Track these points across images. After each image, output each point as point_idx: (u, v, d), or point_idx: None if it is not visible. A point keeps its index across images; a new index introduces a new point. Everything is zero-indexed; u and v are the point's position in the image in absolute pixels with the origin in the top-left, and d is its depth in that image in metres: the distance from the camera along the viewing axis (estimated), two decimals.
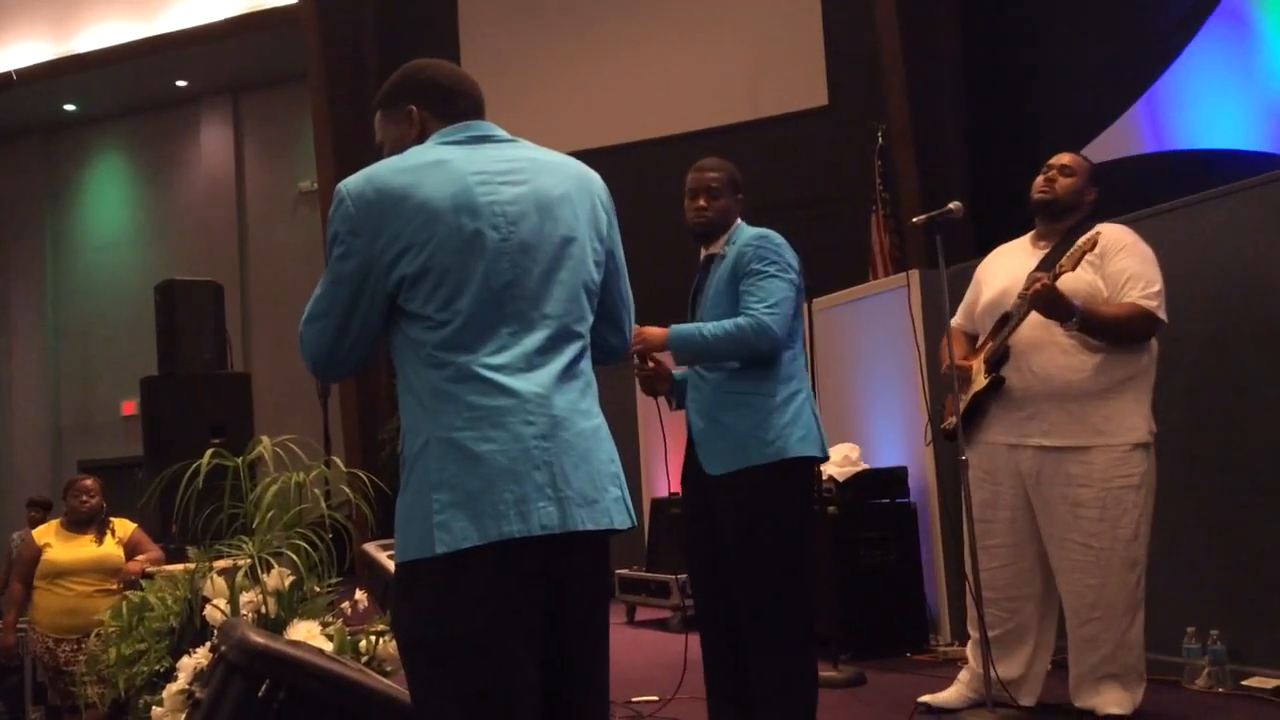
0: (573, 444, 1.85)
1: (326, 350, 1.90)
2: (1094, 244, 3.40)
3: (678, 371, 3.39)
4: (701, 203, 3.34)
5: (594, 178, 2.05)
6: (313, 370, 1.94)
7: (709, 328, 3.18)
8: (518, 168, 1.93)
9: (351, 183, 1.87)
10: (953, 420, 3.68)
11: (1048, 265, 3.60)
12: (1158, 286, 3.52)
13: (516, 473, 1.77)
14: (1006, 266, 3.78)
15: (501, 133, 2.00)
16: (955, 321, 3.96)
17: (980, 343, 3.77)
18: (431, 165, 1.88)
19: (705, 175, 3.35)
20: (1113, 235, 3.62)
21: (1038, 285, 3.40)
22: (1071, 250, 3.42)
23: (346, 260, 1.85)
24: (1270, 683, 3.87)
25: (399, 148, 1.98)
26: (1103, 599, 3.47)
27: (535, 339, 1.86)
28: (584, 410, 1.90)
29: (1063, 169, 3.72)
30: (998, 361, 3.61)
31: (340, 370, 1.93)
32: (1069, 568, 3.53)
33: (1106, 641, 3.48)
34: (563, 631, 1.87)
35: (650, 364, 3.33)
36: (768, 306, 3.15)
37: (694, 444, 3.30)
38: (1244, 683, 3.94)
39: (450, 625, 1.76)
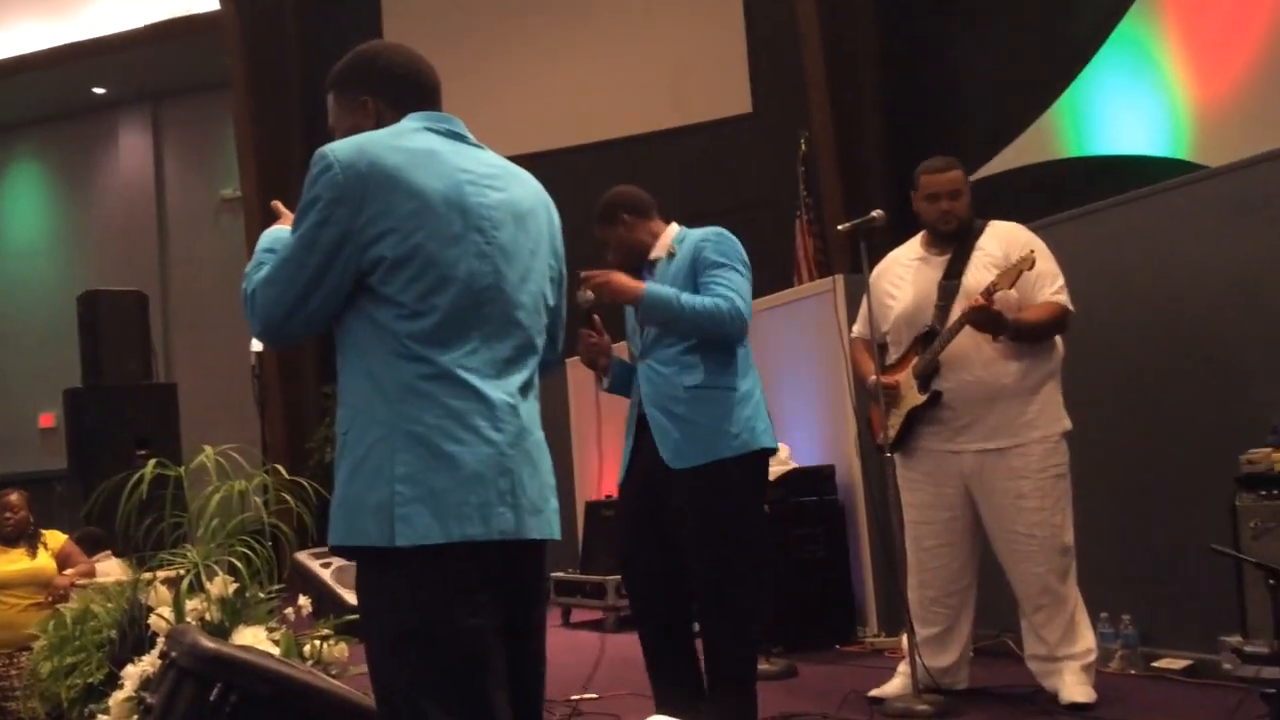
0: (530, 454, 1.92)
1: (282, 315, 1.84)
2: (1032, 264, 3.55)
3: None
4: (610, 258, 3.47)
5: (547, 196, 2.11)
6: (260, 334, 1.88)
7: (685, 297, 3.17)
8: (496, 174, 1.98)
9: (342, 150, 1.83)
10: (888, 434, 3.81)
11: (954, 273, 3.75)
12: (1062, 279, 3.73)
13: (483, 476, 1.82)
14: (910, 279, 3.88)
15: (470, 135, 2.02)
16: (858, 330, 4.09)
17: (900, 357, 3.87)
18: (423, 153, 1.88)
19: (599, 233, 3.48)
20: (1011, 235, 3.80)
21: (974, 305, 3.54)
22: (1008, 269, 3.57)
23: (324, 228, 1.80)
24: (1179, 664, 4.05)
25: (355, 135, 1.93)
26: (1049, 585, 3.65)
27: (506, 347, 1.92)
28: (537, 422, 1.97)
29: (953, 195, 3.84)
30: (929, 376, 3.74)
31: (289, 338, 1.88)
32: (1017, 558, 3.68)
33: (1059, 625, 3.66)
34: (514, 631, 1.92)
35: (597, 336, 3.33)
36: (741, 297, 3.21)
37: (645, 437, 3.29)
38: (1154, 664, 4.13)
39: (442, 617, 1.79)
